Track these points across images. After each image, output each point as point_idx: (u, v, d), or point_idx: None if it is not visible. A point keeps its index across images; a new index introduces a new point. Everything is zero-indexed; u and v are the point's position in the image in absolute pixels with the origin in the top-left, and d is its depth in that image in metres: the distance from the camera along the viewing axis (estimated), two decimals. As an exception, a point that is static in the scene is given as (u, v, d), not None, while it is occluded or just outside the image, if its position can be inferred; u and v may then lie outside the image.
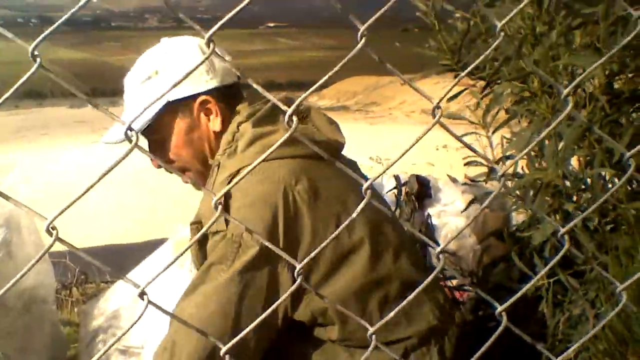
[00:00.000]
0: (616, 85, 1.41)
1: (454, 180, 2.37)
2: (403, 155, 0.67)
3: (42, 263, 2.38)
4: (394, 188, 2.13)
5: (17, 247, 2.42)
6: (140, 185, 7.20)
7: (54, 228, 0.57)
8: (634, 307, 1.14)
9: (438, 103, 0.65)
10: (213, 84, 1.31)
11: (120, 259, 2.84)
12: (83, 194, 0.57)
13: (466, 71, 0.76)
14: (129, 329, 0.72)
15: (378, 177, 0.94)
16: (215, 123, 1.32)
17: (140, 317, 0.66)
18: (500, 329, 0.82)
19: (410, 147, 0.67)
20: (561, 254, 0.76)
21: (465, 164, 1.67)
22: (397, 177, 2.12)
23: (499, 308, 0.82)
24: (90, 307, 2.55)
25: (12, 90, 0.58)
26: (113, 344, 0.74)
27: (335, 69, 0.62)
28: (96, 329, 2.42)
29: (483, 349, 0.84)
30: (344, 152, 1.27)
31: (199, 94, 1.31)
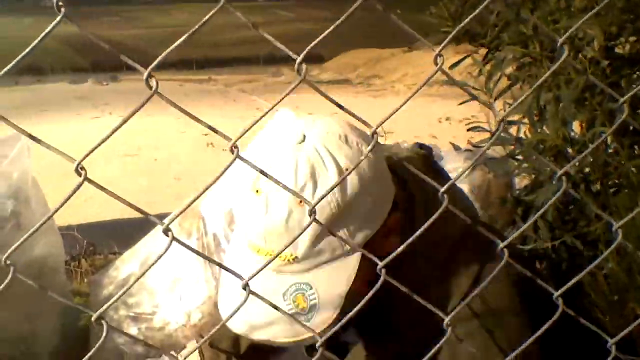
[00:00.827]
0: (616, 50, 1.43)
1: (456, 148, 2.40)
2: (409, 99, 0.70)
3: (51, 234, 2.43)
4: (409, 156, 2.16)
5: (25, 219, 2.46)
6: (141, 161, 7.23)
7: (82, 168, 0.60)
8: (632, 247, 1.18)
9: (439, 52, 0.68)
10: None
11: (127, 233, 2.89)
12: (108, 136, 0.60)
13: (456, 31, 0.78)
14: (152, 264, 0.75)
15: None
16: None
17: (165, 251, 0.69)
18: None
19: (416, 91, 0.69)
20: (560, 193, 0.79)
21: (468, 129, 1.70)
22: (397, 145, 2.14)
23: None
24: (100, 277, 2.60)
25: (15, 61, 0.60)
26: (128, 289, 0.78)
27: (345, 16, 0.65)
28: (107, 297, 2.47)
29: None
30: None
31: None
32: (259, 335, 0.93)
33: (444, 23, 1.83)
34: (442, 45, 0.68)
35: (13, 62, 0.58)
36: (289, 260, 0.92)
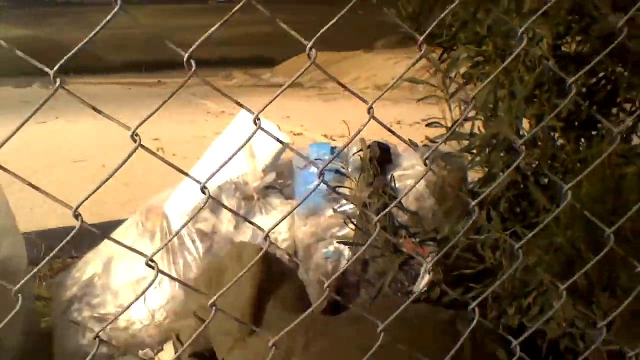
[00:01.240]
0: (563, 48, 1.53)
1: (414, 145, 2.48)
2: (392, 85, 0.76)
3: (14, 235, 2.41)
4: (359, 151, 2.23)
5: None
6: (89, 167, 7.15)
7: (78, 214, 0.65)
8: (578, 205, 1.27)
9: (422, 38, 0.74)
10: None
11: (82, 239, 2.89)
12: (109, 177, 0.64)
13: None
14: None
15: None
16: None
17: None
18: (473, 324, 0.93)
19: (398, 79, 0.75)
20: (469, 224, 0.87)
21: (426, 125, 1.78)
22: (362, 140, 2.21)
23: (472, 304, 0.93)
24: (63, 278, 2.60)
25: None
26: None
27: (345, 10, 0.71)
28: (70, 298, 2.47)
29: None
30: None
31: None
32: None
33: (403, 23, 1.91)
34: (426, 32, 0.74)
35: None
36: None
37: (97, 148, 7.99)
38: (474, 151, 1.75)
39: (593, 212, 1.24)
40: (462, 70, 1.75)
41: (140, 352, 2.33)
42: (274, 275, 1.74)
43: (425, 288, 1.85)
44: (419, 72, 2.06)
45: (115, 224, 2.75)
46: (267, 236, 1.21)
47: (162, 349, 2.36)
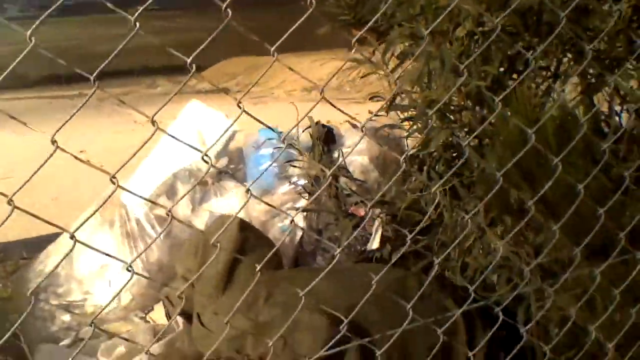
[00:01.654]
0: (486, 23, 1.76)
1: (354, 126, 2.69)
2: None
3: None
4: (308, 127, 2.42)
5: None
6: (16, 183, 7.02)
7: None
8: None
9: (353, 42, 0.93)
10: None
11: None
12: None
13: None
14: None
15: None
16: None
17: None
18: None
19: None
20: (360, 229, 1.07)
21: (369, 99, 1.99)
22: (311, 119, 2.40)
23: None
24: (25, 272, 2.68)
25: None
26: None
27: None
28: (36, 291, 2.55)
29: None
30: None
31: None
32: None
33: (340, 12, 2.11)
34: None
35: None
36: None
37: (23, 164, 7.80)
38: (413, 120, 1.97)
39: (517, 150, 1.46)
40: (398, 49, 1.96)
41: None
42: (250, 241, 1.91)
43: (377, 246, 2.05)
44: (345, 72, 2.26)
45: (47, 238, 2.81)
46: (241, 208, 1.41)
47: (152, 309, 2.49)
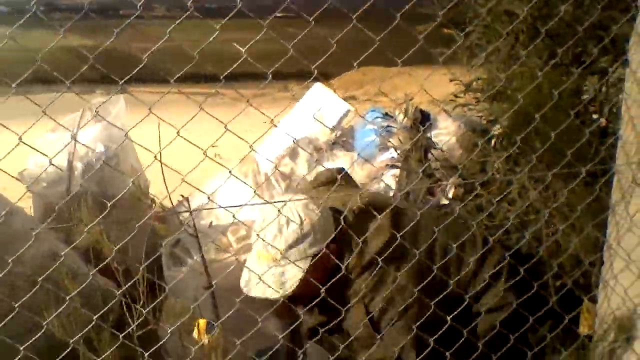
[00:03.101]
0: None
1: (446, 112, 3.23)
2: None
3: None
4: (406, 111, 3.00)
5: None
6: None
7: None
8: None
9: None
10: None
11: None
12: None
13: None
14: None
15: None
16: None
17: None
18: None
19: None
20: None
21: (450, 81, 2.53)
22: (409, 104, 2.99)
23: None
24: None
25: None
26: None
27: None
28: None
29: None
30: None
31: None
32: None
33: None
34: None
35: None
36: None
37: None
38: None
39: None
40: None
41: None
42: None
43: (450, 197, 2.59)
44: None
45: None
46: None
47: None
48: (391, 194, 2.95)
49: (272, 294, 1.78)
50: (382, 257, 1.77)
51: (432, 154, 2.83)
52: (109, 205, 1.47)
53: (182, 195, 3.06)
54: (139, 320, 1.78)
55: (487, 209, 2.26)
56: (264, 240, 1.79)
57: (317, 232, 1.83)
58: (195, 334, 1.79)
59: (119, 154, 3.30)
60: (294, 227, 1.80)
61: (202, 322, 1.80)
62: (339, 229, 1.84)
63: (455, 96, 2.51)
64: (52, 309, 1.84)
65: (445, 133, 3.06)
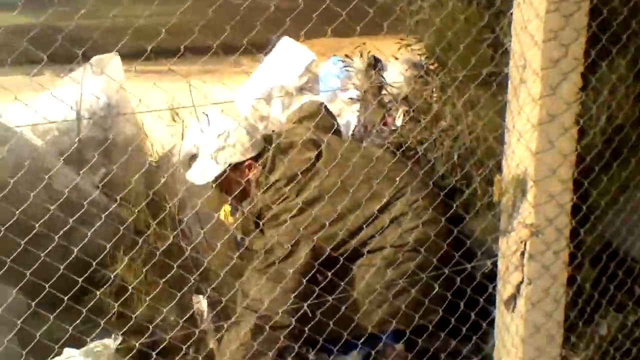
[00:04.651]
0: None
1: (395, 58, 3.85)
2: None
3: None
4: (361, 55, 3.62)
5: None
6: None
7: None
8: None
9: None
10: None
11: None
12: None
13: None
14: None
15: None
16: None
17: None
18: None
19: None
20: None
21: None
22: (363, 51, 3.60)
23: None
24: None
25: None
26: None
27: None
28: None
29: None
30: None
31: None
32: None
33: None
34: None
35: None
36: None
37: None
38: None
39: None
40: None
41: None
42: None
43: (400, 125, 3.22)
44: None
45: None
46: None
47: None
48: (352, 127, 3.57)
49: (198, 180, 2.59)
50: (289, 180, 2.42)
51: (386, 90, 3.45)
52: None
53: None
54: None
55: (426, 132, 2.87)
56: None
57: (238, 147, 2.54)
58: (222, 216, 2.42)
59: (118, 104, 3.82)
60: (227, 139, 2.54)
61: (226, 207, 2.43)
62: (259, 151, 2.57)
63: (402, 39, 3.10)
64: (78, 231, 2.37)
65: (396, 74, 3.68)
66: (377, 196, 2.41)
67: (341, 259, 2.34)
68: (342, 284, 2.34)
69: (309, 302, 2.22)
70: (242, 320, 2.29)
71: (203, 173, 2.58)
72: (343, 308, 2.27)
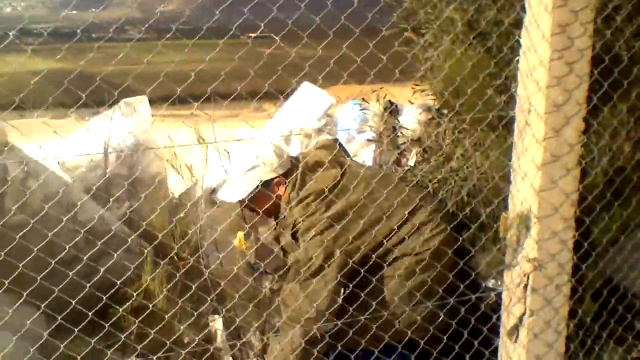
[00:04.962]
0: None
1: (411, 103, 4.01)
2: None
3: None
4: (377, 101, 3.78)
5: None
6: None
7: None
8: None
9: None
10: None
11: None
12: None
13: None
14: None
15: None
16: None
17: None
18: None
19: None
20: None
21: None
22: (379, 96, 3.76)
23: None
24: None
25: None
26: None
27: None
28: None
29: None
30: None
31: None
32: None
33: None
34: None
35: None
36: None
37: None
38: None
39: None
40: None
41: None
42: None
43: (412, 164, 3.35)
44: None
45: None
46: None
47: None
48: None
49: (230, 198, 2.76)
50: (317, 196, 2.57)
51: (401, 132, 3.59)
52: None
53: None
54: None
55: (438, 171, 3.00)
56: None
57: (268, 165, 2.72)
58: (237, 242, 2.56)
59: (145, 144, 4.00)
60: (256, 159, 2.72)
61: (240, 234, 2.56)
62: (288, 169, 2.73)
63: (416, 85, 3.25)
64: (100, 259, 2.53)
65: (410, 118, 3.83)
66: (397, 212, 2.58)
67: (362, 270, 2.53)
68: (365, 296, 2.52)
69: (342, 320, 2.46)
70: (284, 331, 2.53)
71: (235, 191, 2.74)
72: (374, 327, 2.47)
